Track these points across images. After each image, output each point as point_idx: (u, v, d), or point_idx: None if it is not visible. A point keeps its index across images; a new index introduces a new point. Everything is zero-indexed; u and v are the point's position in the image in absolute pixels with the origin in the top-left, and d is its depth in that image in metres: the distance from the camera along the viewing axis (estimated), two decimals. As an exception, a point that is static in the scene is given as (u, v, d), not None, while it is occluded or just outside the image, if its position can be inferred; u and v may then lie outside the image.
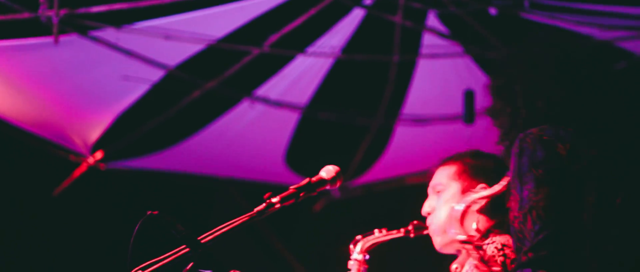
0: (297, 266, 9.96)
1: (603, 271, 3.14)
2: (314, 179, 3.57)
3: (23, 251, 8.58)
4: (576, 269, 3.14)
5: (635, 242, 3.18)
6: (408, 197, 4.74)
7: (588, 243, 3.14)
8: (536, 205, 3.18)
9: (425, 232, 4.44)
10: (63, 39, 7.34)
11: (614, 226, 3.15)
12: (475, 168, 4.43)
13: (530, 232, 3.16)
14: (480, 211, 4.30)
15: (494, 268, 3.90)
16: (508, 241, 4.06)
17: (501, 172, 4.40)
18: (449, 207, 4.31)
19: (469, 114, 7.91)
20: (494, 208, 4.30)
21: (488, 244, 4.04)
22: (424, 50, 8.23)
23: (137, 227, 3.10)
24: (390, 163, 9.18)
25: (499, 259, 3.95)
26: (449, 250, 4.36)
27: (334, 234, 5.25)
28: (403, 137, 8.93)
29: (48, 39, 7.28)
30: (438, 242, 4.35)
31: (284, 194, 3.44)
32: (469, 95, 7.94)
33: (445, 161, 4.55)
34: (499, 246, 4.00)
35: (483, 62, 8.24)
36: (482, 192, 3.81)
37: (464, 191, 4.33)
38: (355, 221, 9.25)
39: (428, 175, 4.56)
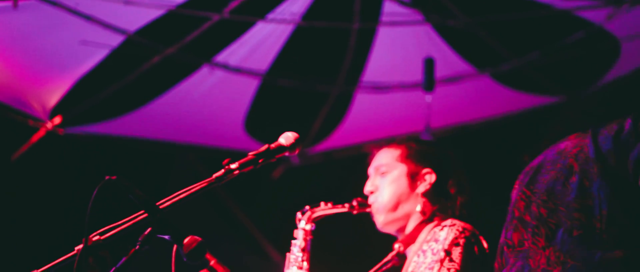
0: (255, 232, 9.98)
1: None
2: (273, 145, 3.58)
3: (-21, 215, 8.55)
4: None
5: None
6: (367, 164, 4.79)
7: None
8: None
9: (367, 209, 4.54)
10: (22, 3, 7.26)
11: None
12: (421, 153, 4.56)
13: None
14: (424, 194, 4.42)
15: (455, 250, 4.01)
16: (466, 224, 4.17)
17: (444, 161, 4.54)
18: (395, 187, 4.42)
19: (428, 82, 7.95)
20: (437, 193, 4.43)
21: (450, 226, 4.12)
22: (385, 17, 8.23)
23: (95, 192, 3.09)
24: (350, 130, 9.20)
25: (461, 242, 4.04)
26: (390, 229, 4.47)
27: (293, 201, 5.28)
28: (363, 104, 8.94)
29: (7, 3, 7.21)
30: (380, 220, 4.46)
31: (242, 161, 3.44)
32: (428, 63, 7.97)
33: (388, 144, 4.65)
34: (461, 229, 4.10)
35: (443, 30, 8.27)
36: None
37: (410, 173, 4.45)
38: (313, 187, 9.28)
39: (369, 157, 4.65)
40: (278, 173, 9.69)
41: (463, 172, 4.58)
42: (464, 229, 4.12)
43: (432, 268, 3.99)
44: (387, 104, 8.86)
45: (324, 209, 4.65)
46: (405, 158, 4.51)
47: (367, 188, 4.55)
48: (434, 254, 4.04)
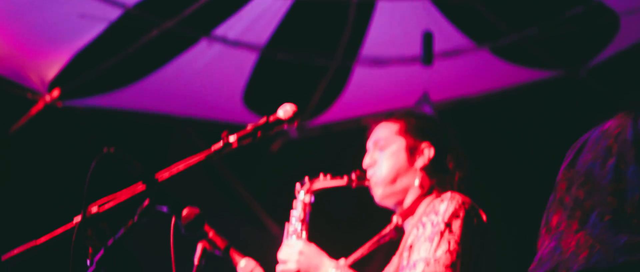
0: (253, 204, 9.99)
1: None
2: (271, 118, 3.59)
3: (-22, 188, 8.56)
4: None
5: None
6: (365, 138, 4.79)
7: None
8: None
9: (366, 183, 4.56)
10: (20, -24, 7.28)
11: None
12: (419, 127, 4.57)
13: None
14: (423, 168, 4.43)
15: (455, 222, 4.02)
16: (465, 197, 4.18)
17: (442, 135, 4.55)
18: (394, 161, 4.43)
19: (427, 56, 7.95)
20: (435, 167, 4.44)
21: (450, 198, 4.13)
22: (383, -9, 8.23)
23: (93, 165, 3.10)
24: (348, 104, 9.20)
25: (461, 214, 4.05)
26: (388, 202, 4.48)
27: (291, 174, 5.28)
28: (361, 78, 8.94)
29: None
30: (378, 194, 4.47)
31: (241, 133, 3.46)
32: (427, 37, 7.97)
33: (386, 118, 4.66)
34: (460, 201, 4.11)
35: (442, 4, 8.25)
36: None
37: (409, 147, 4.46)
38: (311, 160, 9.28)
39: (368, 131, 4.66)
40: (276, 146, 9.69)
41: (462, 147, 4.59)
42: (463, 201, 4.13)
43: (432, 240, 4.00)
44: (385, 78, 8.86)
45: (323, 181, 4.66)
46: (404, 132, 4.52)
47: (366, 162, 4.57)
48: (433, 226, 4.04)
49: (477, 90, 9.06)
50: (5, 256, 3.21)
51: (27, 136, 8.68)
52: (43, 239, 3.24)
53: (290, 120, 3.64)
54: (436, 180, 4.42)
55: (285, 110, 3.64)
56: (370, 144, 4.60)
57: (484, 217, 4.17)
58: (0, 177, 8.53)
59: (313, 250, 4.29)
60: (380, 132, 4.57)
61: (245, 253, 4.32)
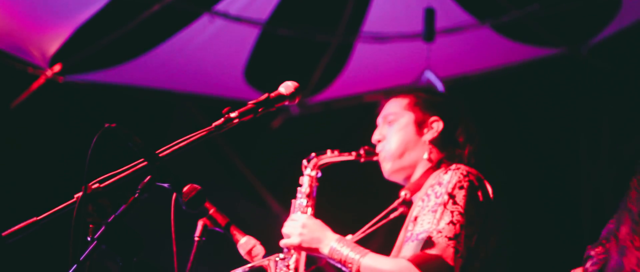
0: (254, 181, 10.00)
1: None
2: (272, 94, 3.58)
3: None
4: None
5: None
6: (367, 114, 4.79)
7: None
8: None
9: (374, 158, 4.55)
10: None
11: None
12: (428, 102, 4.56)
13: None
14: (432, 142, 4.42)
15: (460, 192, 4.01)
16: (470, 169, 4.16)
17: (452, 109, 4.52)
18: (402, 135, 4.43)
19: (428, 32, 7.94)
20: (444, 141, 4.43)
21: (454, 169, 4.11)
22: (385, -33, 8.22)
23: (94, 140, 3.10)
24: (350, 80, 9.20)
25: (465, 185, 4.03)
26: (397, 177, 4.48)
27: (292, 151, 5.28)
28: (363, 54, 8.93)
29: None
30: (387, 168, 4.47)
31: (242, 109, 3.45)
32: (429, 13, 7.96)
33: (397, 93, 4.63)
34: (465, 172, 4.09)
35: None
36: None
37: (418, 122, 4.45)
38: (313, 137, 9.29)
39: (378, 106, 4.64)
40: (278, 122, 9.70)
41: (472, 120, 4.57)
42: (468, 172, 4.11)
43: (435, 211, 3.98)
44: (387, 55, 8.85)
45: (331, 156, 4.65)
46: (413, 106, 4.51)
47: (375, 137, 4.56)
48: (437, 197, 4.02)
49: (479, 67, 9.06)
50: (6, 232, 3.21)
51: (28, 111, 8.68)
52: (44, 215, 3.23)
53: (291, 97, 3.62)
54: (446, 154, 4.41)
55: (286, 87, 3.62)
56: (380, 119, 4.59)
57: (490, 190, 4.15)
58: (1, 152, 8.53)
59: (316, 224, 4.27)
60: (390, 108, 4.56)
61: (245, 230, 4.32)
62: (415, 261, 3.88)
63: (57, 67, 8.55)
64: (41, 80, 8.61)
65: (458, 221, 3.95)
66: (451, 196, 4.01)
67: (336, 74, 9.20)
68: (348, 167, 4.71)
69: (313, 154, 4.66)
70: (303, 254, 4.33)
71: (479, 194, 4.09)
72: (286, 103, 3.62)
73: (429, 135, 4.43)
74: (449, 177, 4.08)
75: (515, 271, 4.54)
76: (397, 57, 8.87)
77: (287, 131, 9.64)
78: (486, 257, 4.07)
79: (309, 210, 4.50)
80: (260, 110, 3.50)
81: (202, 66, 8.99)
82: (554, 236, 8.79)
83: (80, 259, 3.02)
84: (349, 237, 4.37)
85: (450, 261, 3.88)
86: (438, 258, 3.88)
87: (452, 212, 3.96)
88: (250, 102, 3.46)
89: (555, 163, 8.98)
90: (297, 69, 9.07)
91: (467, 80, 9.09)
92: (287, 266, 4.32)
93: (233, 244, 4.21)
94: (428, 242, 3.92)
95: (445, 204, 3.99)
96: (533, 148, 9.01)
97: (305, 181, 4.58)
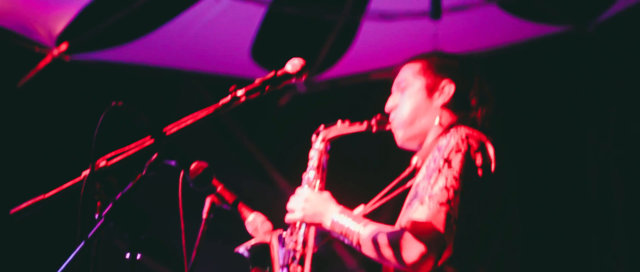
0: (261, 158, 10.01)
1: None
2: (279, 72, 3.58)
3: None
4: None
5: None
6: (373, 92, 4.76)
7: None
8: None
9: (387, 127, 4.45)
10: None
11: None
12: (440, 65, 4.45)
13: None
14: (444, 106, 4.33)
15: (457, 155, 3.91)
16: (472, 131, 4.07)
17: (465, 72, 4.44)
18: (413, 101, 4.35)
19: (435, 10, 7.92)
20: (457, 104, 4.34)
21: (453, 133, 4.03)
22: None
23: (101, 118, 3.11)
24: (356, 58, 9.19)
25: (463, 148, 3.95)
26: (411, 145, 4.38)
27: (298, 128, 5.27)
28: (369, 32, 8.91)
29: None
30: (400, 136, 4.37)
31: (249, 87, 3.45)
32: (435, -9, 7.95)
33: (410, 59, 4.55)
34: (463, 135, 4.00)
35: (451, -42, 8.23)
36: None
37: (428, 87, 4.36)
38: (319, 115, 9.28)
39: (393, 73, 4.56)
40: (284, 100, 9.69)
41: (486, 81, 4.46)
42: (467, 135, 3.99)
43: (430, 177, 3.90)
44: (393, 33, 8.83)
45: (341, 128, 4.53)
46: (424, 71, 4.41)
47: (388, 105, 4.45)
48: (435, 162, 3.94)
49: (485, 45, 9.03)
50: (14, 210, 3.22)
51: (35, 90, 8.69)
52: (51, 193, 3.25)
53: (298, 74, 3.62)
54: (458, 117, 4.31)
55: (293, 65, 3.62)
56: (394, 86, 4.51)
57: (491, 154, 4.02)
58: (8, 131, 8.55)
59: (319, 197, 4.20)
60: (403, 74, 4.47)
61: (253, 207, 4.32)
62: (408, 228, 3.80)
63: (63, 46, 8.56)
64: (48, 59, 8.62)
65: (451, 186, 3.82)
66: (447, 160, 3.89)
67: (343, 52, 9.18)
68: (362, 138, 4.62)
69: (322, 126, 4.58)
70: (312, 227, 4.28)
71: (479, 156, 3.96)
72: (293, 81, 3.62)
73: (440, 99, 4.30)
74: (447, 141, 3.97)
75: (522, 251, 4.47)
76: (403, 35, 8.85)
77: (294, 109, 9.64)
78: (488, 228, 3.96)
79: (318, 183, 4.42)
80: (266, 88, 3.51)
81: (208, 44, 8.99)
82: (562, 215, 8.79)
83: (88, 236, 3.04)
84: (361, 207, 4.32)
85: (440, 227, 3.75)
86: (428, 224, 3.77)
87: (446, 177, 3.84)
88: (256, 80, 3.47)
89: (561, 141, 8.97)
90: (304, 47, 9.05)
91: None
92: (296, 241, 4.29)
93: (241, 221, 4.23)
94: (421, 209, 3.82)
95: (440, 169, 3.88)
96: (539, 126, 8.99)
97: (314, 154, 4.51)
